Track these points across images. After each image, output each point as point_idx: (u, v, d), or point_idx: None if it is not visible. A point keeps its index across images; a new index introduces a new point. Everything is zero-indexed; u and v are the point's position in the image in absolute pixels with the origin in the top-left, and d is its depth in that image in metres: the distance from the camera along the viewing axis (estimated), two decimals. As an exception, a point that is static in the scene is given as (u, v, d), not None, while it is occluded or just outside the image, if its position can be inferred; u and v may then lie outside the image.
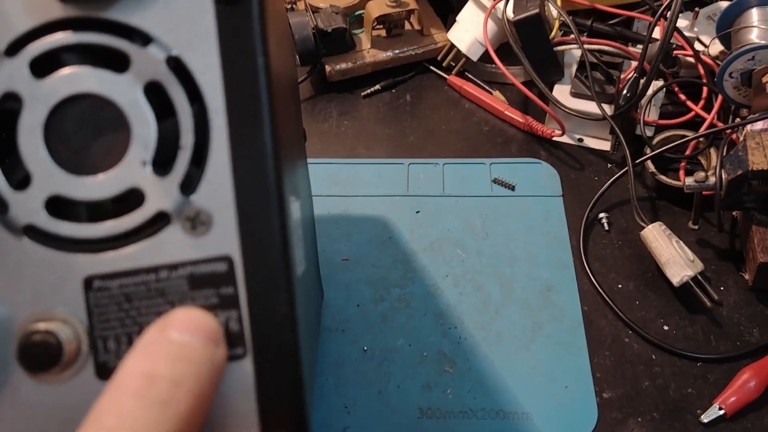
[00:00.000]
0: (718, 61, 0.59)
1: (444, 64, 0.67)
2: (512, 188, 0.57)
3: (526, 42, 0.59)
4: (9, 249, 0.23)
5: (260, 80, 0.23)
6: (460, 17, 0.65)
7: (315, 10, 0.65)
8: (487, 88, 0.66)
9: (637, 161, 0.55)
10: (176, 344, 0.21)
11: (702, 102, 0.59)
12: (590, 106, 0.59)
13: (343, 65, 0.66)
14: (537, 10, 0.57)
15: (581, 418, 0.44)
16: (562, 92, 0.60)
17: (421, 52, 0.68)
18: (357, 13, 0.68)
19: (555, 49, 0.60)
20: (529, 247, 0.53)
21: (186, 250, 0.23)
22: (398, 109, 0.65)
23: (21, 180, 0.23)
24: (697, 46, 0.62)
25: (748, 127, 0.50)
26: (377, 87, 0.66)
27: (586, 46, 0.59)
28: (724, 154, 0.50)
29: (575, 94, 0.60)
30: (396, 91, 0.67)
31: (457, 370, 0.46)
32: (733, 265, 0.52)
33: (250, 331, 0.23)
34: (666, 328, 0.48)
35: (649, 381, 0.46)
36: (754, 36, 0.53)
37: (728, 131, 0.54)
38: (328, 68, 0.65)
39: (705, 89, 0.60)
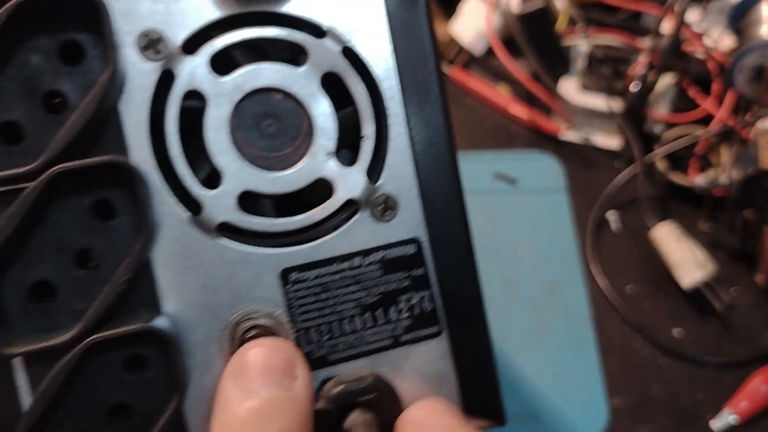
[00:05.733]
0: (728, 57, 0.58)
1: (446, 59, 0.66)
2: (515, 182, 0.55)
3: (531, 36, 0.57)
4: (205, 249, 0.23)
5: (431, 67, 0.24)
6: (462, 11, 0.64)
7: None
8: (491, 83, 0.65)
9: (646, 159, 0.54)
10: (258, 398, 0.21)
11: (712, 98, 0.58)
12: (598, 102, 0.57)
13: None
14: (542, 4, 0.56)
15: (590, 421, 0.43)
16: (568, 87, 0.59)
17: (424, 47, 0.66)
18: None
19: (561, 43, 0.59)
20: (534, 244, 0.52)
21: (376, 236, 0.24)
22: (400, 105, 0.64)
23: (208, 178, 0.23)
24: (707, 41, 0.61)
25: (759, 124, 0.49)
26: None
27: (593, 40, 0.58)
28: (735, 152, 0.49)
29: (582, 89, 0.58)
30: (398, 86, 0.66)
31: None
32: (745, 267, 0.50)
33: (443, 309, 0.24)
34: (676, 331, 0.47)
35: (659, 386, 0.44)
36: (764, 31, 0.52)
37: (739, 128, 0.52)
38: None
39: (715, 85, 0.58)
